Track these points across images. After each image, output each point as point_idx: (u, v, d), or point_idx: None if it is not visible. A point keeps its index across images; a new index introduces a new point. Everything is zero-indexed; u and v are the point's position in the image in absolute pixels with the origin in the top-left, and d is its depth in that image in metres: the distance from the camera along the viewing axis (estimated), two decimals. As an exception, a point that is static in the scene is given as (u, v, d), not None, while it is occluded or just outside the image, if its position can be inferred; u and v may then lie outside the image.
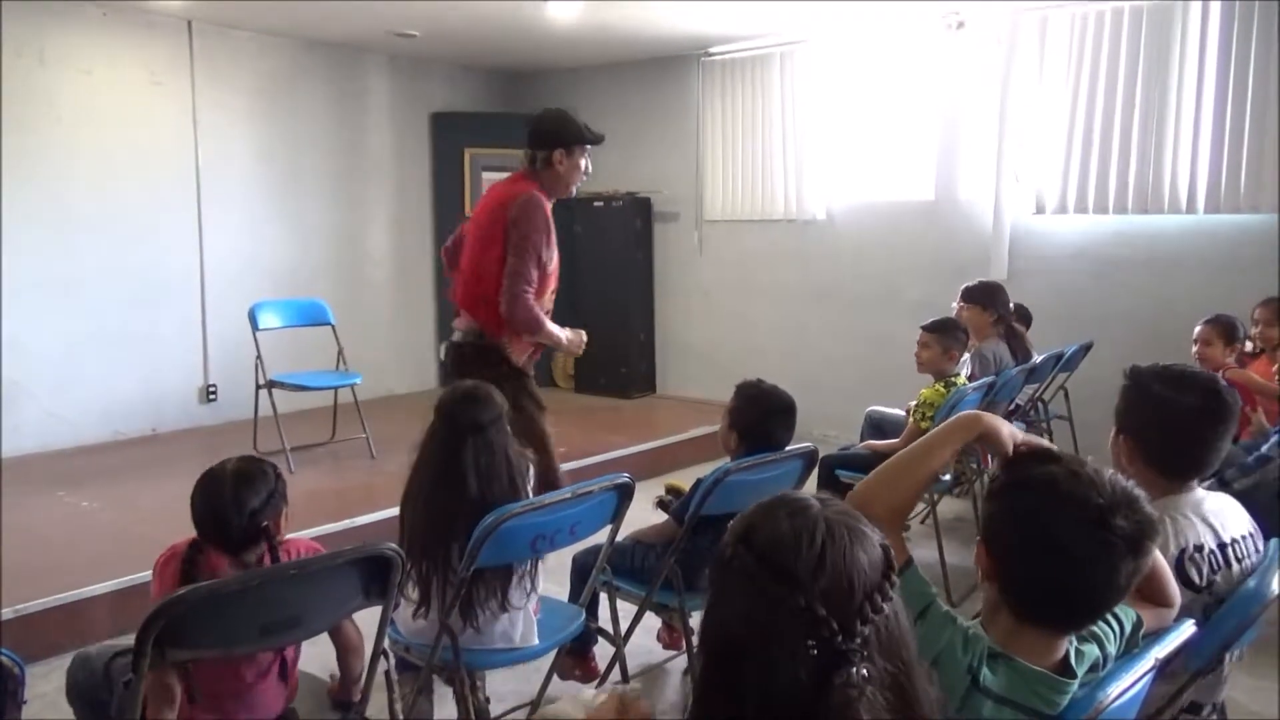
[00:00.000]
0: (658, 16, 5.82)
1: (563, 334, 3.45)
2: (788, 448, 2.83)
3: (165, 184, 5.95)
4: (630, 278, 7.24)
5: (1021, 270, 5.65)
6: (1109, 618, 1.43)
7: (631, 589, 2.80)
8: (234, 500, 1.95)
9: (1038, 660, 1.30)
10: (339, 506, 4.37)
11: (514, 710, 2.86)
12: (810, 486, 2.85)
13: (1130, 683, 1.37)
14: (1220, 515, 1.84)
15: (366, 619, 2.06)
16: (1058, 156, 5.46)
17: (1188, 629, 1.54)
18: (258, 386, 5.19)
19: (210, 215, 6.15)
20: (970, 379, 4.14)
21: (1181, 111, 5.08)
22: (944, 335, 4.06)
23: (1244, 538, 1.84)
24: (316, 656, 2.25)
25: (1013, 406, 4.61)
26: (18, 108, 5.28)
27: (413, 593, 2.37)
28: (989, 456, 3.84)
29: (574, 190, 3.51)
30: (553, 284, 3.46)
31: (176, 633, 1.67)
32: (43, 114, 5.41)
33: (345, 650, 2.16)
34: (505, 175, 3.54)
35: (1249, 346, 4.25)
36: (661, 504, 3.36)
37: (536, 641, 2.51)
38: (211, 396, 6.19)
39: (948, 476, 4.10)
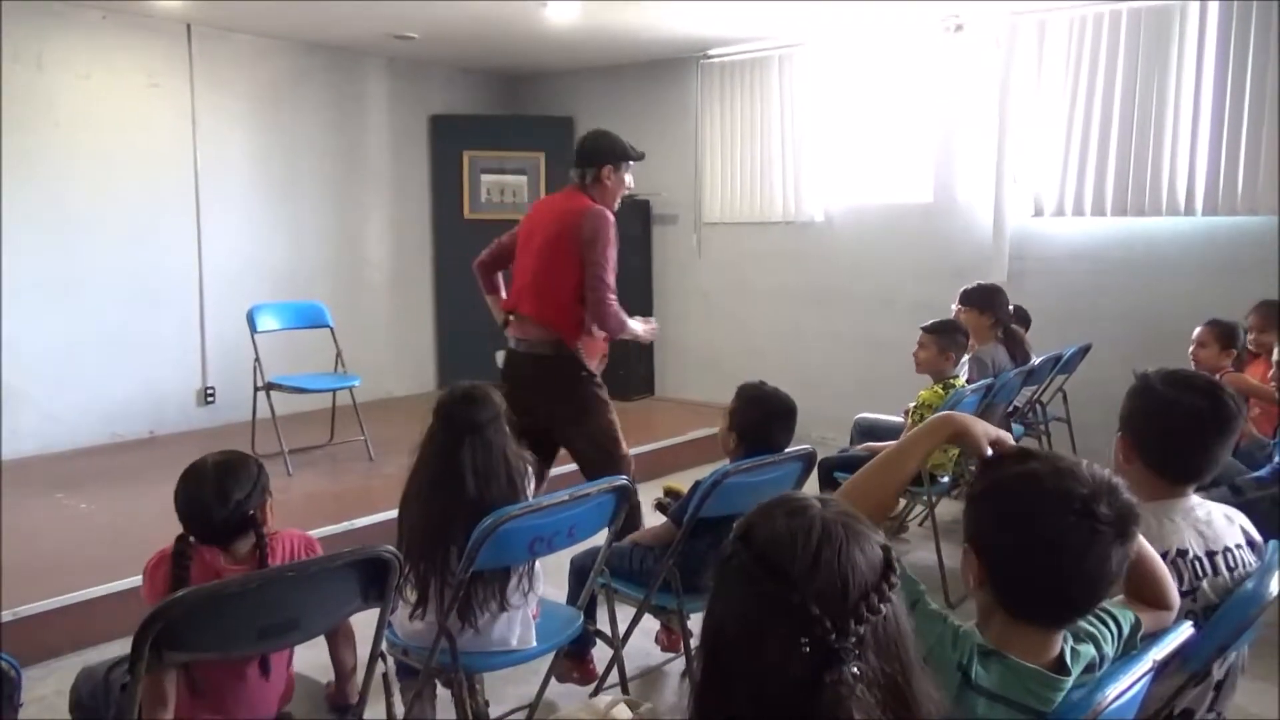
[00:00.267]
0: (656, 19, 5.82)
1: (640, 327, 3.71)
2: (786, 450, 2.83)
3: (164, 187, 5.94)
4: (629, 280, 7.21)
5: (1020, 272, 5.65)
6: (1107, 619, 1.43)
7: (630, 591, 2.80)
8: (217, 491, 1.96)
9: (1032, 658, 1.30)
10: (337, 509, 4.36)
11: (513, 713, 2.85)
12: (809, 488, 2.85)
13: (1128, 684, 1.37)
14: (1211, 524, 1.83)
15: (364, 623, 2.06)
16: (1056, 159, 5.46)
17: (1185, 631, 1.54)
18: (256, 389, 5.19)
19: (209, 218, 6.15)
20: (968, 383, 4.14)
21: (1180, 114, 5.08)
22: (942, 336, 4.07)
23: (1236, 547, 1.83)
24: (314, 659, 2.25)
25: (1011, 409, 4.61)
26: (16, 111, 5.28)
27: (410, 595, 2.37)
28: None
29: (618, 204, 3.70)
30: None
31: (174, 635, 1.67)
32: (41, 117, 5.40)
33: (337, 644, 2.16)
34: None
35: (1250, 347, 4.25)
36: (660, 506, 3.37)
37: (534, 644, 2.51)
38: (210, 399, 6.19)
39: (946, 479, 4.10)
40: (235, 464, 2.03)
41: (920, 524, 4.38)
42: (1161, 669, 1.47)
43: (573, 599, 2.83)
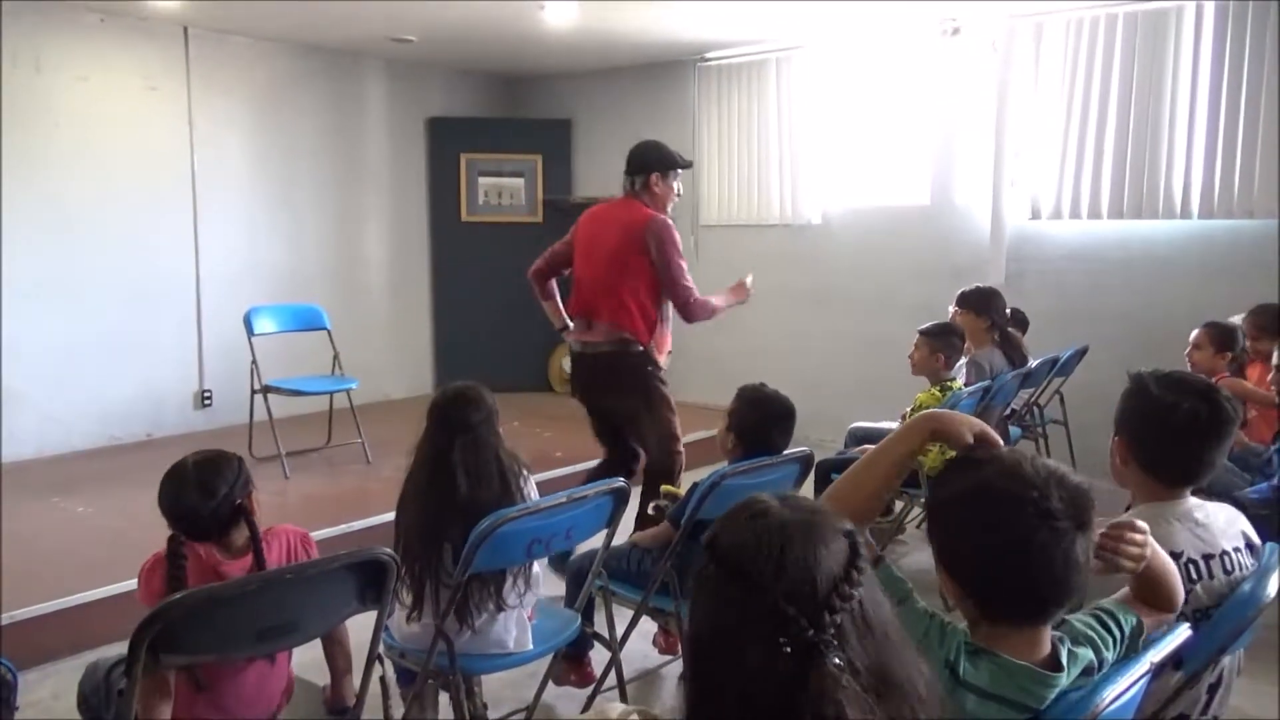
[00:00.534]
0: (654, 21, 5.83)
1: (729, 299, 4.08)
2: (784, 452, 2.83)
3: (161, 189, 5.94)
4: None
5: (1018, 274, 5.66)
6: (1108, 622, 1.43)
7: (627, 594, 2.80)
8: (201, 487, 1.98)
9: (1022, 657, 1.30)
10: (334, 511, 4.36)
11: (511, 715, 2.85)
12: (807, 491, 2.86)
13: (1125, 686, 1.37)
14: (1209, 527, 1.83)
15: (358, 626, 2.06)
16: (1053, 161, 5.46)
17: (1183, 633, 1.54)
18: (253, 391, 5.19)
19: (206, 220, 6.15)
20: (965, 386, 4.14)
21: (1177, 116, 5.09)
22: (935, 339, 4.09)
23: (1235, 550, 1.83)
24: (310, 662, 2.25)
25: (1008, 411, 4.61)
26: (14, 113, 5.27)
27: (406, 597, 2.37)
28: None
29: (670, 208, 3.94)
30: None
31: (171, 638, 1.67)
32: (39, 120, 5.40)
33: (330, 646, 2.16)
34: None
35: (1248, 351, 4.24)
36: (658, 508, 3.36)
37: (531, 646, 2.51)
38: (207, 401, 6.18)
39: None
40: (215, 459, 2.05)
41: (918, 526, 4.38)
42: (1159, 671, 1.47)
43: (570, 601, 2.83)
